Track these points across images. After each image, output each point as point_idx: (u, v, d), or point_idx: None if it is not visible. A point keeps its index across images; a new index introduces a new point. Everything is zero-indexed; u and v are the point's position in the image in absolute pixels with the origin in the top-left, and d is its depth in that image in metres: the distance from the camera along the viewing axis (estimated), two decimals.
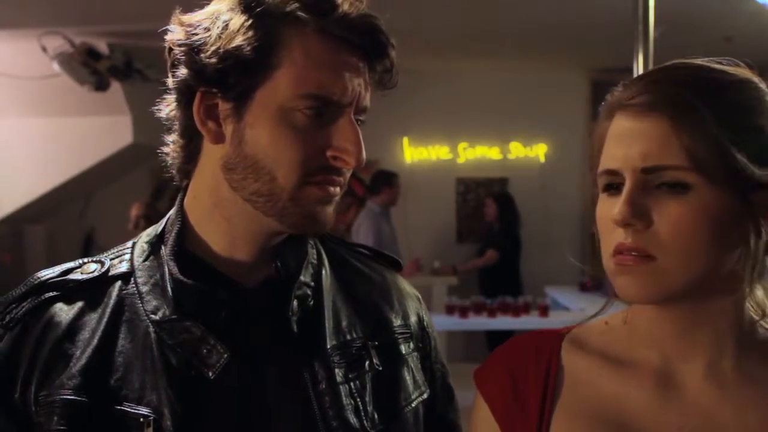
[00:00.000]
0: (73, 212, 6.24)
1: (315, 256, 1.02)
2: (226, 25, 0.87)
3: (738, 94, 0.79)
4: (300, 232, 0.94)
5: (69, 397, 0.85)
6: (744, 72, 0.82)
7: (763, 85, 0.81)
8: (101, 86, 4.81)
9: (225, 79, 0.87)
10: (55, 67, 4.64)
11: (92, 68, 4.70)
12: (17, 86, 5.05)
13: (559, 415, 0.87)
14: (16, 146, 5.47)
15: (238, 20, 0.87)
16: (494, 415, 0.90)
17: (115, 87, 4.98)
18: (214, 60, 0.86)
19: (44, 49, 4.57)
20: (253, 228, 0.93)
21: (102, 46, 4.79)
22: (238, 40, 0.86)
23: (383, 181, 5.22)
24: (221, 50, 0.86)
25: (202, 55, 0.87)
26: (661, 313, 0.83)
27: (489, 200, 6.26)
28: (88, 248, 5.78)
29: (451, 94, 6.45)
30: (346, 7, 0.88)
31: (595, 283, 5.38)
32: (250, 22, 0.86)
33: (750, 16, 4.27)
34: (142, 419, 0.85)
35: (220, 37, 0.86)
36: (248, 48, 0.86)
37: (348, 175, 0.93)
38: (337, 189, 0.92)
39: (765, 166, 0.77)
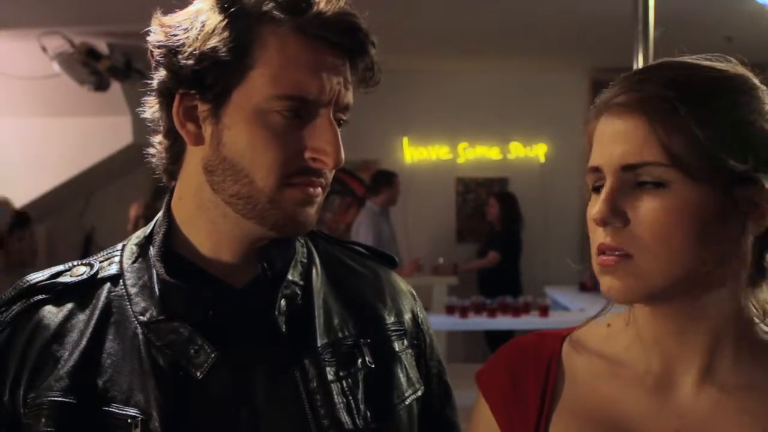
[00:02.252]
0: (73, 212, 6.23)
1: (305, 255, 1.01)
2: (203, 25, 0.87)
3: (720, 89, 0.78)
4: (281, 235, 0.94)
5: (57, 398, 0.85)
6: (734, 67, 0.81)
7: (754, 81, 0.80)
8: (101, 86, 4.81)
9: (202, 81, 0.87)
10: (55, 67, 4.64)
11: (92, 68, 4.70)
12: (17, 86, 5.05)
13: (557, 416, 0.87)
14: (16, 146, 5.47)
15: (214, 21, 0.87)
16: (495, 416, 0.90)
17: (115, 87, 4.98)
18: (191, 61, 0.86)
19: (44, 49, 4.57)
20: (235, 230, 0.93)
21: (102, 46, 4.80)
22: (214, 41, 0.86)
23: (383, 181, 5.23)
24: (197, 51, 0.86)
25: (180, 56, 0.87)
26: (655, 312, 0.83)
27: (492, 200, 6.24)
28: (88, 248, 5.78)
29: (451, 94, 6.45)
30: (322, 5, 0.87)
31: (594, 283, 5.38)
32: (225, 22, 0.86)
33: (750, 16, 4.27)
34: (129, 420, 0.85)
35: (197, 39, 0.86)
36: (224, 49, 0.86)
37: (330, 176, 0.93)
38: (318, 190, 0.91)
39: (745, 160, 0.75)
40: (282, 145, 0.87)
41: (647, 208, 0.76)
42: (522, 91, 6.48)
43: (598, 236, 0.79)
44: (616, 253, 0.77)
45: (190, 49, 0.86)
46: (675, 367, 0.83)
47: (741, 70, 0.81)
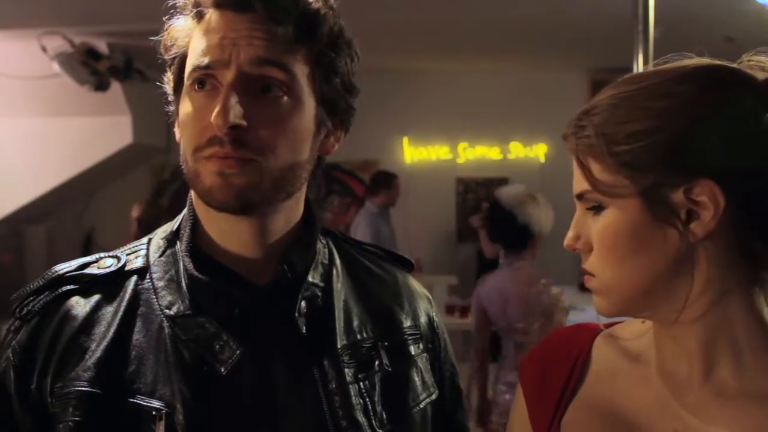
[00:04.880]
0: (73, 212, 6.24)
1: (326, 256, 1.02)
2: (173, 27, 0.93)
3: (622, 104, 0.79)
4: (216, 209, 0.90)
5: (84, 389, 0.86)
6: (675, 69, 0.80)
7: (684, 85, 0.77)
8: (101, 86, 4.81)
9: (176, 77, 0.94)
10: (55, 67, 4.64)
11: (92, 68, 4.70)
12: (17, 86, 5.05)
13: (572, 407, 0.89)
14: (16, 146, 5.48)
15: (177, 22, 0.93)
16: (525, 400, 0.94)
17: (115, 87, 4.98)
18: (170, 62, 0.94)
19: (44, 49, 4.57)
20: (216, 217, 0.93)
21: (102, 46, 4.80)
22: (176, 40, 0.92)
23: (381, 183, 5.22)
24: (171, 52, 0.93)
25: (167, 57, 0.95)
26: (653, 323, 0.85)
27: (485, 204, 6.26)
28: (88, 248, 5.79)
29: (451, 94, 6.45)
30: None
31: None
32: (181, 21, 0.92)
33: (750, 16, 4.27)
34: (154, 412, 0.86)
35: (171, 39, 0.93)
36: (176, 45, 0.92)
37: (262, 147, 0.87)
38: (229, 162, 0.86)
39: (653, 171, 0.76)
40: (195, 118, 0.88)
41: (592, 232, 0.82)
42: (522, 91, 6.48)
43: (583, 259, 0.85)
44: (588, 274, 0.83)
45: (170, 53, 0.94)
46: (679, 368, 0.82)
47: (686, 68, 0.79)
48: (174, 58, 0.93)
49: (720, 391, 0.80)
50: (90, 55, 4.66)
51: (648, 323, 0.89)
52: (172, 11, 0.93)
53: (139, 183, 6.34)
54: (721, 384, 0.80)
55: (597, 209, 0.81)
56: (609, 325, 0.94)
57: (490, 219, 3.20)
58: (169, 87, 0.96)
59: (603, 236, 0.80)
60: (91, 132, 5.46)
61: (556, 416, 0.90)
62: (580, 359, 0.91)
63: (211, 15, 0.89)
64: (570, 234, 0.84)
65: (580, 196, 0.82)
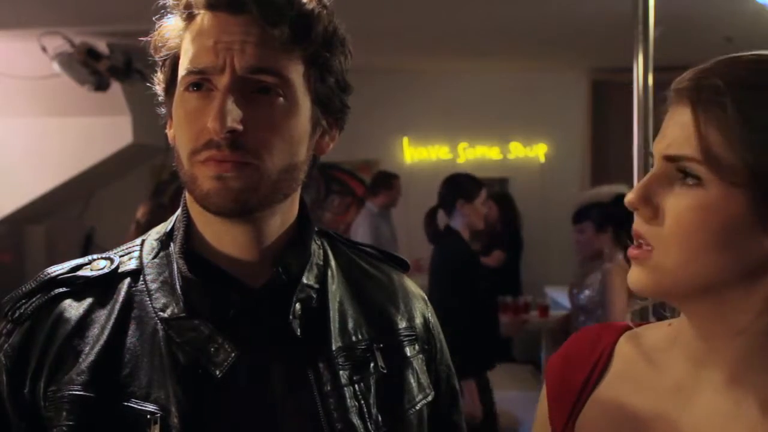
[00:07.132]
0: (73, 212, 6.24)
1: (321, 257, 1.02)
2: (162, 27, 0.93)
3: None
4: (214, 214, 0.90)
5: (77, 392, 0.86)
6: None
7: None
8: (101, 86, 4.80)
9: (168, 78, 0.94)
10: (55, 67, 4.63)
11: (92, 68, 4.69)
12: (17, 86, 5.05)
13: (590, 405, 0.88)
14: (16, 146, 5.47)
15: (167, 22, 0.92)
16: (547, 397, 0.93)
17: (115, 87, 4.98)
18: (161, 63, 0.94)
19: (44, 49, 4.57)
20: (212, 220, 0.92)
21: (102, 46, 4.79)
22: (167, 41, 0.92)
23: (381, 183, 5.23)
24: (162, 53, 0.93)
25: (157, 57, 0.95)
26: (686, 313, 0.81)
27: (489, 203, 6.25)
28: (88, 248, 5.77)
29: (451, 94, 6.45)
30: None
31: None
32: (171, 20, 0.92)
33: (750, 16, 4.27)
34: (149, 416, 0.86)
35: (161, 40, 0.93)
36: (167, 46, 0.92)
37: (261, 149, 0.87)
38: (225, 165, 0.86)
39: None
40: (190, 121, 0.88)
41: (674, 203, 0.73)
42: (522, 91, 6.47)
43: (635, 221, 0.77)
44: (641, 242, 0.76)
45: (161, 54, 0.94)
46: (700, 374, 0.80)
47: None
48: (165, 59, 0.93)
49: (739, 401, 0.77)
50: (90, 55, 4.65)
51: (674, 326, 0.86)
52: (162, 11, 0.92)
53: (139, 183, 6.33)
54: (743, 393, 0.76)
55: (691, 180, 0.73)
56: (638, 325, 0.92)
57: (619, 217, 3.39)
58: (160, 88, 0.95)
59: (689, 216, 0.72)
60: (91, 132, 5.45)
61: (572, 414, 0.89)
62: (602, 358, 0.90)
63: (204, 16, 0.88)
64: (636, 193, 0.76)
65: (677, 159, 0.73)
